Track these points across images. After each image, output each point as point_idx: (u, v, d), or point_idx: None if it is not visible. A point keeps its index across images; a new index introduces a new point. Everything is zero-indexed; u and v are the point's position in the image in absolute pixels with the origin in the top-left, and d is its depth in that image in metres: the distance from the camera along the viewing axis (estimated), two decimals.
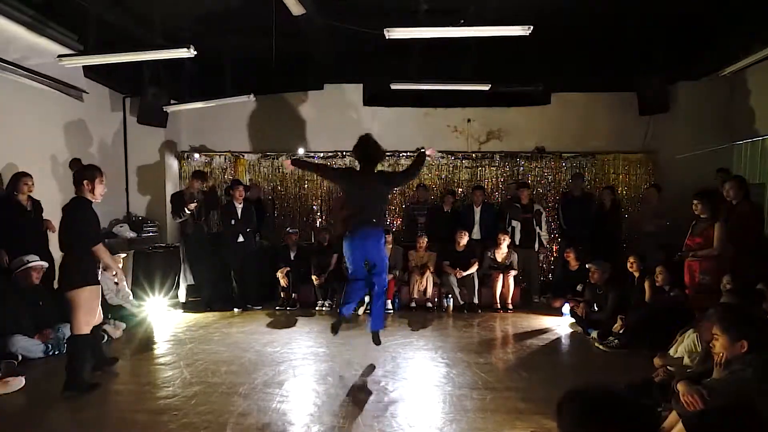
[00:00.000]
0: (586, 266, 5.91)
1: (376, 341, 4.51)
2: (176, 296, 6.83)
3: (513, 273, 6.81)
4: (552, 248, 7.79)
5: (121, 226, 7.07)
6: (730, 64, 5.58)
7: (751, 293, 4.01)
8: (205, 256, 6.70)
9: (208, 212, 6.84)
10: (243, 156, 8.23)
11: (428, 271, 6.79)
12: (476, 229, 7.29)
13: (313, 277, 6.90)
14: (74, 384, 3.78)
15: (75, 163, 4.06)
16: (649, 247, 6.46)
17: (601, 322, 5.33)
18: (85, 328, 3.81)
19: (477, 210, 7.35)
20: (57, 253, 5.64)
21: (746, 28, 5.42)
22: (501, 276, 6.73)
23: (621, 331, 4.98)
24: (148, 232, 7.38)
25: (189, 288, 6.83)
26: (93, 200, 3.85)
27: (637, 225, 7.09)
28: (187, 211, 6.45)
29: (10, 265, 4.84)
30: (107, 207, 7.12)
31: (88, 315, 3.82)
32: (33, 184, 5.07)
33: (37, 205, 5.23)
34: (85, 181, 3.81)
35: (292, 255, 7.00)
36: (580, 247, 6.55)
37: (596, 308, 5.74)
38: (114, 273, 4.32)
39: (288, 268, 6.83)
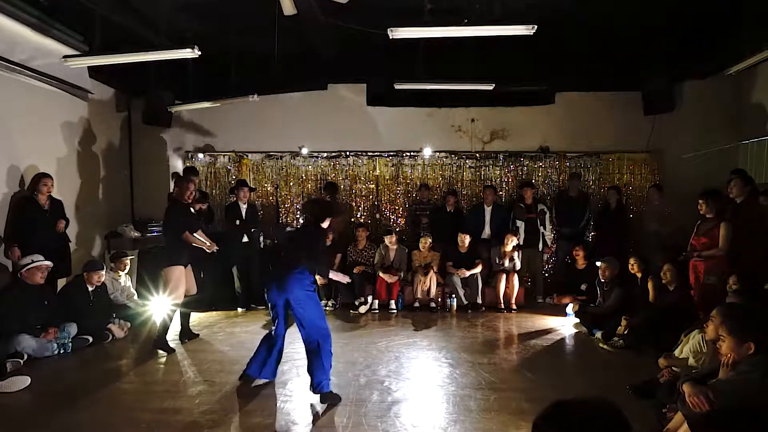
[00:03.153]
0: (596, 264, 5.90)
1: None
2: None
3: (517, 268, 6.81)
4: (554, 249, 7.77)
5: (125, 226, 7.10)
6: (736, 63, 5.54)
7: (758, 293, 3.98)
8: (207, 255, 6.67)
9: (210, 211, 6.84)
10: (247, 156, 8.25)
11: (432, 271, 6.79)
12: (486, 229, 7.28)
13: (317, 277, 6.91)
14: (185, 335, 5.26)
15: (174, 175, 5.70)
16: (652, 247, 6.44)
17: (605, 321, 5.31)
18: (176, 298, 4.87)
19: (488, 210, 7.33)
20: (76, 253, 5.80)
21: (753, 27, 5.38)
22: (505, 276, 6.72)
23: (626, 332, 4.96)
24: (153, 232, 7.40)
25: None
26: (185, 202, 4.92)
27: (641, 225, 7.06)
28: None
29: (16, 265, 4.88)
30: (112, 207, 7.17)
31: (178, 288, 4.86)
32: (52, 185, 5.33)
33: (57, 204, 5.44)
34: (176, 189, 4.95)
35: None
36: (581, 246, 6.57)
37: (601, 304, 5.76)
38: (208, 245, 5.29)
39: None
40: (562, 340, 5.46)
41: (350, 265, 7.06)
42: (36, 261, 4.80)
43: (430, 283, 6.73)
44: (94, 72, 6.28)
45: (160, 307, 4.99)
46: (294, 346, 5.05)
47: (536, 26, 4.42)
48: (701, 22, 5.92)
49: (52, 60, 5.30)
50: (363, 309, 6.57)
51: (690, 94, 7.45)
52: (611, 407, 1.17)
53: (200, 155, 8.24)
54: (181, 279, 4.89)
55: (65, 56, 4.96)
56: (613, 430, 1.16)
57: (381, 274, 6.70)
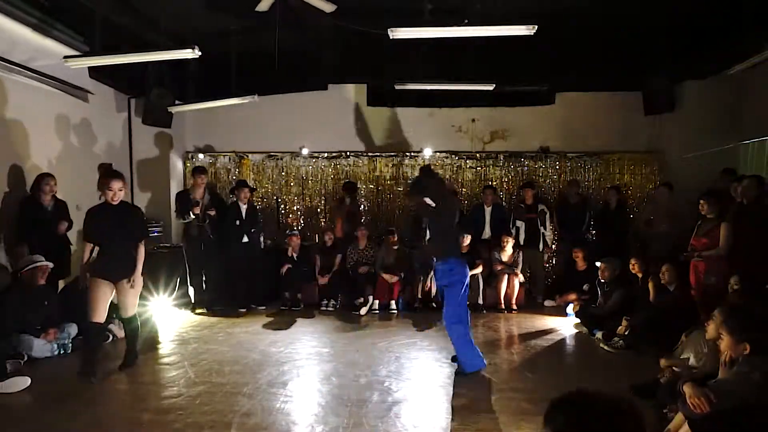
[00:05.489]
0: (596, 264, 5.89)
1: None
2: (183, 296, 6.81)
3: (519, 276, 6.79)
4: (554, 249, 7.77)
5: None
6: (737, 63, 5.53)
7: (758, 294, 3.97)
8: (208, 257, 6.67)
9: (219, 215, 6.70)
10: (247, 156, 8.26)
11: (432, 271, 6.78)
12: (486, 229, 7.27)
13: (318, 277, 6.93)
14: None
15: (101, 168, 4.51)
16: (658, 246, 6.41)
17: (606, 321, 5.31)
18: (92, 316, 4.13)
19: (488, 210, 7.32)
20: (75, 254, 5.79)
21: (754, 26, 5.38)
22: (506, 276, 6.71)
23: (626, 332, 4.96)
24: (153, 233, 7.39)
25: (194, 289, 6.83)
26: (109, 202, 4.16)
27: (646, 225, 7.04)
28: (192, 216, 6.47)
29: (16, 266, 4.88)
30: None
31: (89, 303, 4.10)
32: (55, 185, 5.29)
33: (61, 205, 5.41)
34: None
35: (295, 255, 7.01)
36: (580, 248, 6.57)
37: (602, 304, 5.75)
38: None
39: (289, 265, 6.85)
40: (563, 340, 5.46)
41: (351, 266, 7.06)
42: (36, 261, 4.79)
43: (430, 283, 6.72)
44: (95, 72, 6.28)
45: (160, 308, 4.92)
46: (294, 346, 5.06)
47: (536, 26, 4.43)
48: (702, 22, 5.92)
49: (53, 60, 5.30)
50: (363, 310, 6.56)
51: (690, 94, 7.44)
52: (633, 411, 1.15)
53: (200, 155, 8.25)
54: (94, 294, 4.10)
55: (65, 57, 4.96)
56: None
57: (382, 275, 6.70)
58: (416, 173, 8.10)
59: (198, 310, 6.63)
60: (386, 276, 6.69)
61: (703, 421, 2.32)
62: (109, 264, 4.16)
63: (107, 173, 4.33)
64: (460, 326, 4.26)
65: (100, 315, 4.13)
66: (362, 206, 8.22)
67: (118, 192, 4.12)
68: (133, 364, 4.40)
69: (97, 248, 4.21)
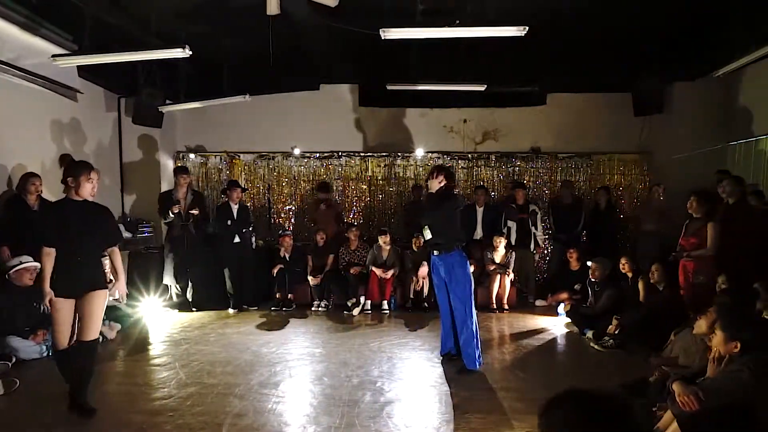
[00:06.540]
0: (588, 264, 5.93)
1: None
2: (169, 297, 6.77)
3: (510, 276, 6.81)
4: (547, 248, 7.81)
5: None
6: (725, 65, 5.60)
7: (746, 293, 4.02)
8: (194, 257, 6.61)
9: (202, 214, 6.68)
10: (239, 156, 8.22)
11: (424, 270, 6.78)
12: (478, 229, 7.30)
13: (310, 278, 6.91)
14: None
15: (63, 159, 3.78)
16: (648, 246, 6.47)
17: (596, 320, 5.35)
18: (55, 340, 3.52)
19: (479, 210, 7.34)
20: None
21: (741, 28, 5.44)
22: (498, 276, 6.74)
23: (616, 332, 5.00)
24: (144, 233, 7.35)
25: (180, 289, 6.77)
26: (77, 198, 3.45)
27: (636, 224, 7.09)
28: (171, 215, 6.41)
29: (4, 266, 4.82)
30: None
31: (54, 325, 3.48)
32: (41, 184, 5.20)
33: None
34: (69, 179, 3.43)
35: (287, 255, 6.98)
36: (575, 248, 6.61)
37: (592, 304, 5.79)
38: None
39: (281, 265, 6.82)
40: (554, 340, 5.49)
41: (343, 267, 7.05)
42: (24, 262, 4.74)
43: (422, 283, 6.73)
44: (84, 71, 6.21)
45: (150, 309, 4.83)
46: (286, 347, 5.05)
47: (527, 27, 4.45)
48: (690, 25, 5.98)
49: (41, 59, 5.24)
50: (356, 310, 6.55)
51: (679, 95, 7.53)
52: (625, 407, 1.15)
53: (191, 155, 8.20)
54: (59, 314, 3.42)
55: (54, 55, 4.90)
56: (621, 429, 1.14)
57: (373, 269, 6.68)
58: (408, 174, 8.18)
59: (183, 311, 6.57)
60: (378, 270, 6.67)
61: (692, 419, 2.34)
62: (75, 276, 3.41)
63: (80, 164, 3.60)
64: (470, 322, 4.35)
65: (69, 337, 3.48)
66: (354, 206, 8.23)
67: (96, 185, 3.51)
68: (89, 414, 3.40)
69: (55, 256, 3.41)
